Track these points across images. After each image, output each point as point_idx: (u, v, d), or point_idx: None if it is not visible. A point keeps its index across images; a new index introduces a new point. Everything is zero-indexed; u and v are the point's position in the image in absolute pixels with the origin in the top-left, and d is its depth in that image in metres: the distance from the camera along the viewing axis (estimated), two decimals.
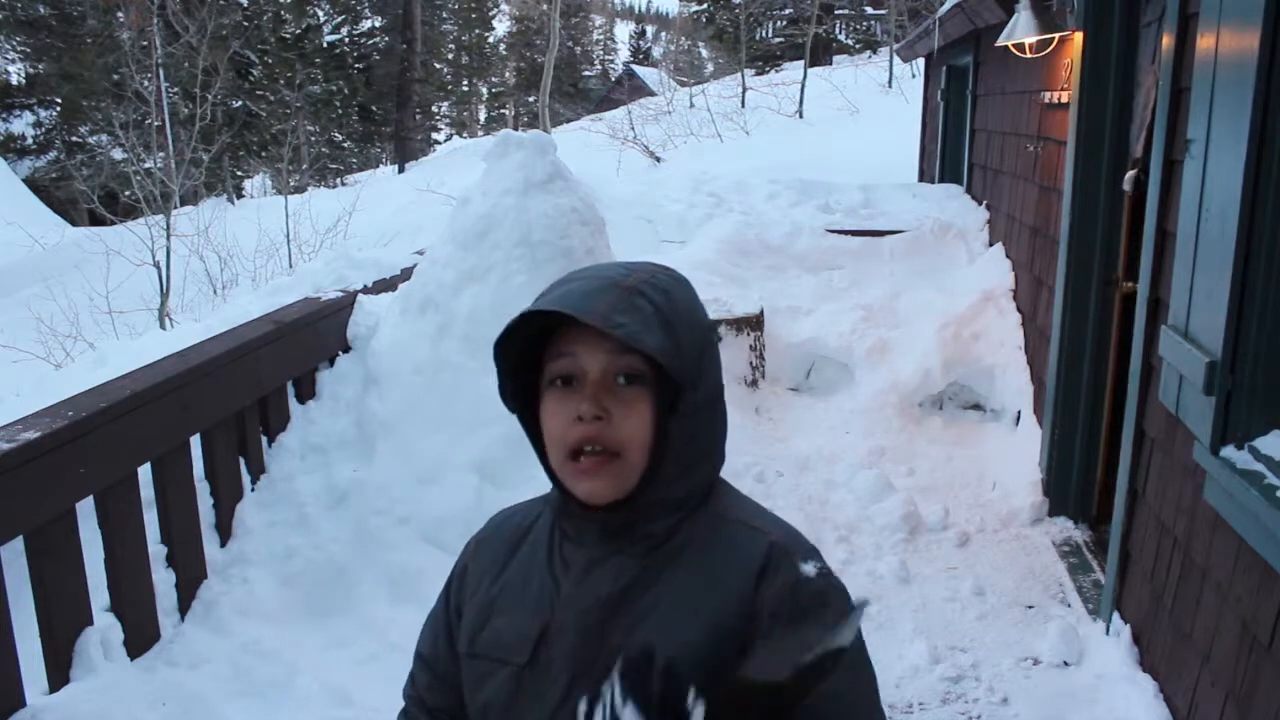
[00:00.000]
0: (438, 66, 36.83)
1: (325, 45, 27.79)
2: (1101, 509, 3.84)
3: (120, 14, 17.53)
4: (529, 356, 1.06)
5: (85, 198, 13.87)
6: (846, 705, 1.00)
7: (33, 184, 20.55)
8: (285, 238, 11.65)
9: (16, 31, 21.86)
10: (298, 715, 2.59)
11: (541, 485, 1.13)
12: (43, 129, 22.76)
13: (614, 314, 0.97)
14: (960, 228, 6.09)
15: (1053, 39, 4.14)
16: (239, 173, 22.55)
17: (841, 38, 25.99)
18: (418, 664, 1.20)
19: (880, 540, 3.79)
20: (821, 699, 0.96)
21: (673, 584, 1.03)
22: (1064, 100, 4.01)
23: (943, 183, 7.53)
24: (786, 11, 24.73)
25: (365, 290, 4.01)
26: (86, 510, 2.46)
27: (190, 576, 2.87)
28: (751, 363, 5.17)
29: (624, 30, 61.03)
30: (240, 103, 21.40)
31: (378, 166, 28.88)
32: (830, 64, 21.73)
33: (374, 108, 30.17)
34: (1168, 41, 2.69)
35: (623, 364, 1.00)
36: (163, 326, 9.40)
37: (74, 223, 17.46)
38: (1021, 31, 4.20)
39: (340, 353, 3.77)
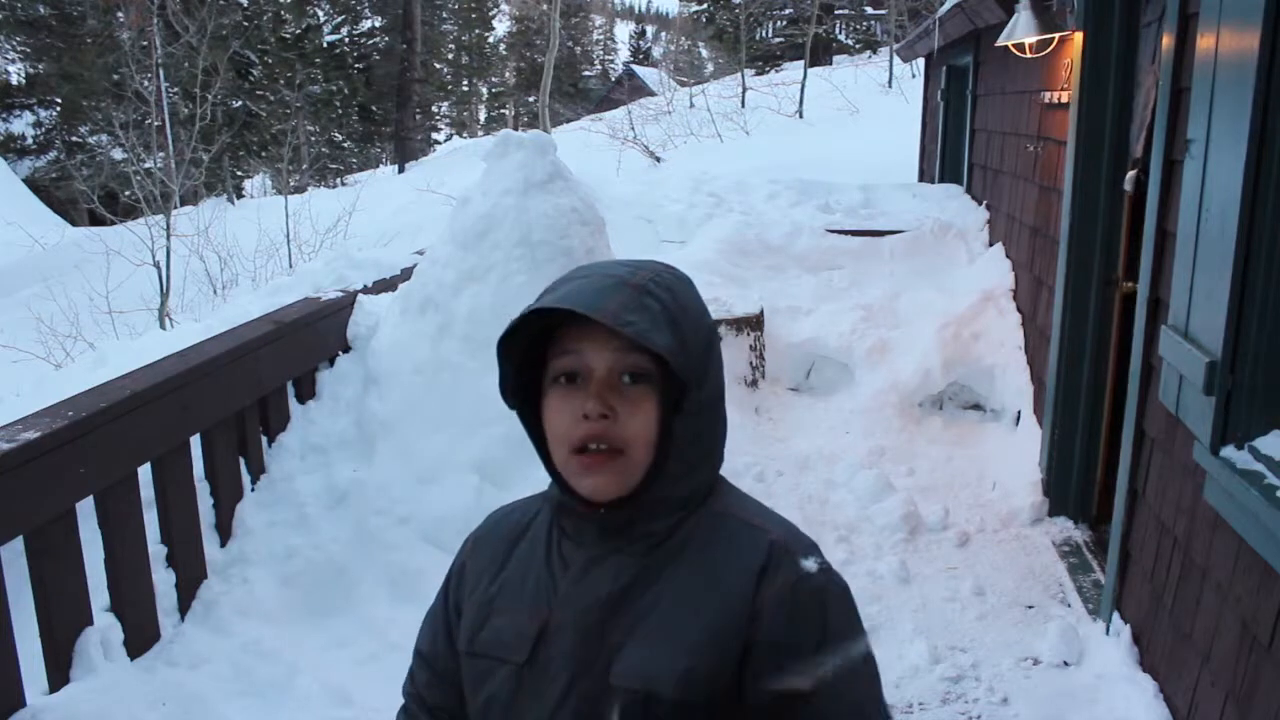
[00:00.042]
0: (438, 66, 36.83)
1: (325, 45, 27.79)
2: (1101, 509, 3.84)
3: (120, 14, 17.53)
4: (531, 354, 1.06)
5: (85, 198, 13.87)
6: (852, 705, 1.00)
7: (33, 184, 20.56)
8: (285, 238, 11.65)
9: (16, 31, 21.86)
10: (298, 715, 2.59)
11: (541, 485, 1.13)
12: (43, 129, 22.76)
13: (624, 312, 0.97)
14: (960, 228, 6.09)
15: (1053, 39, 4.14)
16: (239, 173, 22.55)
17: (841, 38, 25.99)
18: (417, 661, 1.21)
19: (880, 540, 3.79)
20: (830, 700, 0.97)
21: (673, 583, 1.03)
22: (1064, 100, 4.01)
23: (943, 183, 7.53)
24: (786, 11, 24.73)
25: (365, 290, 4.01)
26: (86, 510, 2.46)
27: (190, 576, 2.87)
28: (751, 363, 5.17)
29: (624, 30, 61.05)
30: (240, 103, 21.39)
31: (378, 166, 28.88)
32: (830, 64, 21.73)
33: (374, 108, 30.17)
34: (1168, 41, 2.69)
35: (629, 362, 1.00)
36: (163, 326, 9.40)
37: (74, 223, 17.47)
38: (1021, 31, 4.20)
39: (340, 353, 3.77)
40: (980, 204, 6.20)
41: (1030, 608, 3.34)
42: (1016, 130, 5.06)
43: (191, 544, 2.90)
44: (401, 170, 25.08)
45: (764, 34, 26.51)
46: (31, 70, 22.54)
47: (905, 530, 3.82)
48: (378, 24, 31.39)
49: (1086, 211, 3.72)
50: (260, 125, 22.33)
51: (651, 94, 23.78)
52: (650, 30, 61.78)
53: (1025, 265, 4.90)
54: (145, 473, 2.71)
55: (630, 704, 0.99)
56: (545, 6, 26.05)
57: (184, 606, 2.82)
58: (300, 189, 17.99)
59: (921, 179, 8.95)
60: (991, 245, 5.73)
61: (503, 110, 43.88)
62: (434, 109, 36.41)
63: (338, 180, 24.72)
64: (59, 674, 2.34)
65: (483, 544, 1.17)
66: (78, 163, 16.40)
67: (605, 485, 1.01)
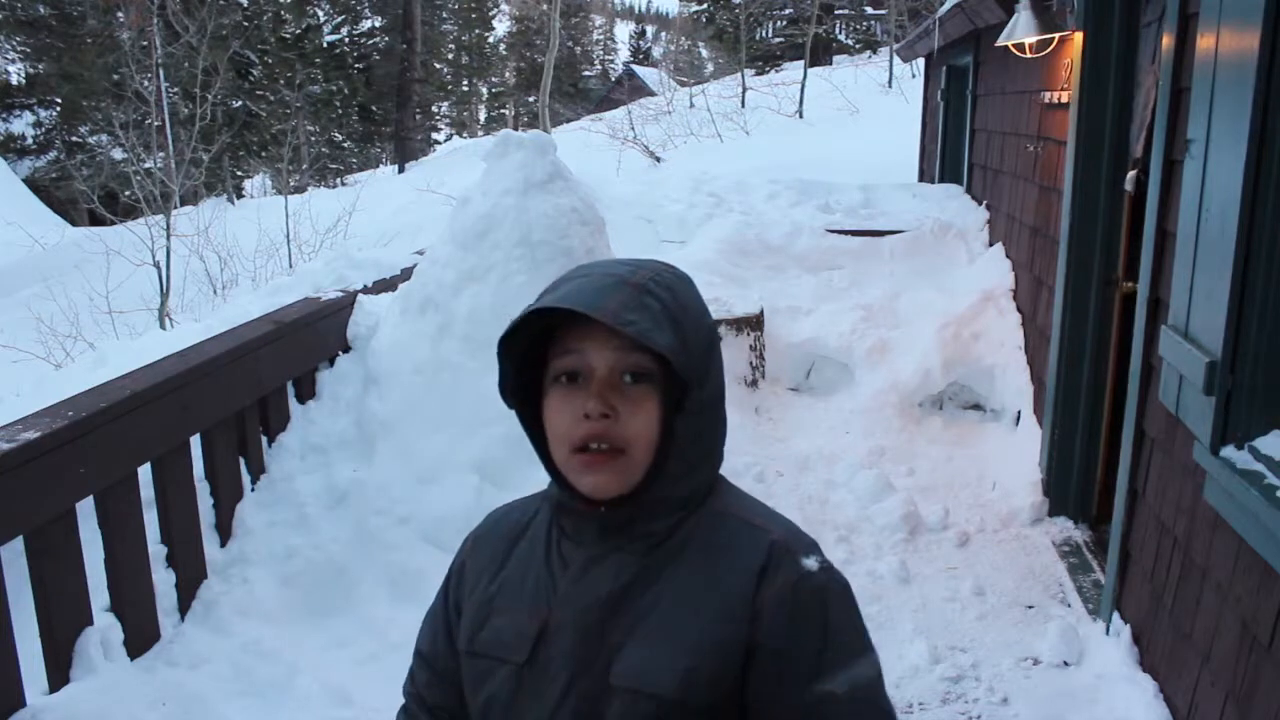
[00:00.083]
0: (438, 66, 36.83)
1: (325, 45, 27.79)
2: (1101, 509, 3.84)
3: (120, 14, 17.53)
4: (531, 353, 1.06)
5: (85, 198, 13.87)
6: (855, 700, 1.01)
7: (33, 184, 20.56)
8: (285, 238, 11.65)
9: (16, 31, 21.86)
10: (298, 715, 2.59)
11: (542, 485, 1.13)
12: (43, 129, 22.76)
13: (625, 312, 0.97)
14: (960, 228, 6.09)
15: (1053, 39, 4.14)
16: (239, 173, 22.55)
17: (841, 38, 25.99)
18: (417, 661, 1.21)
19: (880, 540, 3.79)
20: (833, 699, 0.98)
21: (673, 583, 1.03)
22: (1064, 100, 4.01)
23: (943, 183, 7.53)
24: (786, 11, 24.73)
25: (365, 290, 4.01)
26: (86, 510, 2.46)
27: (190, 576, 2.87)
28: (751, 363, 5.17)
29: (624, 30, 61.05)
30: (240, 103, 21.40)
31: (378, 166, 28.88)
32: (830, 64, 21.73)
33: (374, 108, 30.18)
34: (1168, 41, 2.69)
35: (631, 362, 1.00)
36: (163, 326, 9.40)
37: (74, 223, 17.47)
38: (1021, 31, 4.20)
39: (340, 353, 3.77)
40: (980, 204, 6.20)
41: (1030, 608, 3.34)
42: (1016, 130, 5.06)
43: (191, 544, 2.90)
44: (401, 170, 25.08)
45: (764, 34, 26.51)
46: (31, 70, 22.54)
47: (905, 530, 3.82)
48: (378, 24, 31.40)
49: (1086, 211, 3.72)
50: (260, 125, 22.33)
51: (651, 94, 23.78)
52: (650, 30, 61.79)
53: (1025, 265, 4.91)
54: (145, 473, 2.71)
55: (630, 704, 0.99)
56: (545, 6, 26.05)
57: (184, 606, 2.82)
58: (300, 189, 17.99)
59: (921, 179, 8.95)
60: (991, 245, 5.73)
61: (503, 110, 43.89)
62: (434, 109, 36.41)
63: (338, 180, 24.72)
64: (59, 674, 2.34)
65: (482, 543, 1.17)
66: (78, 163, 16.40)
67: (606, 484, 1.01)
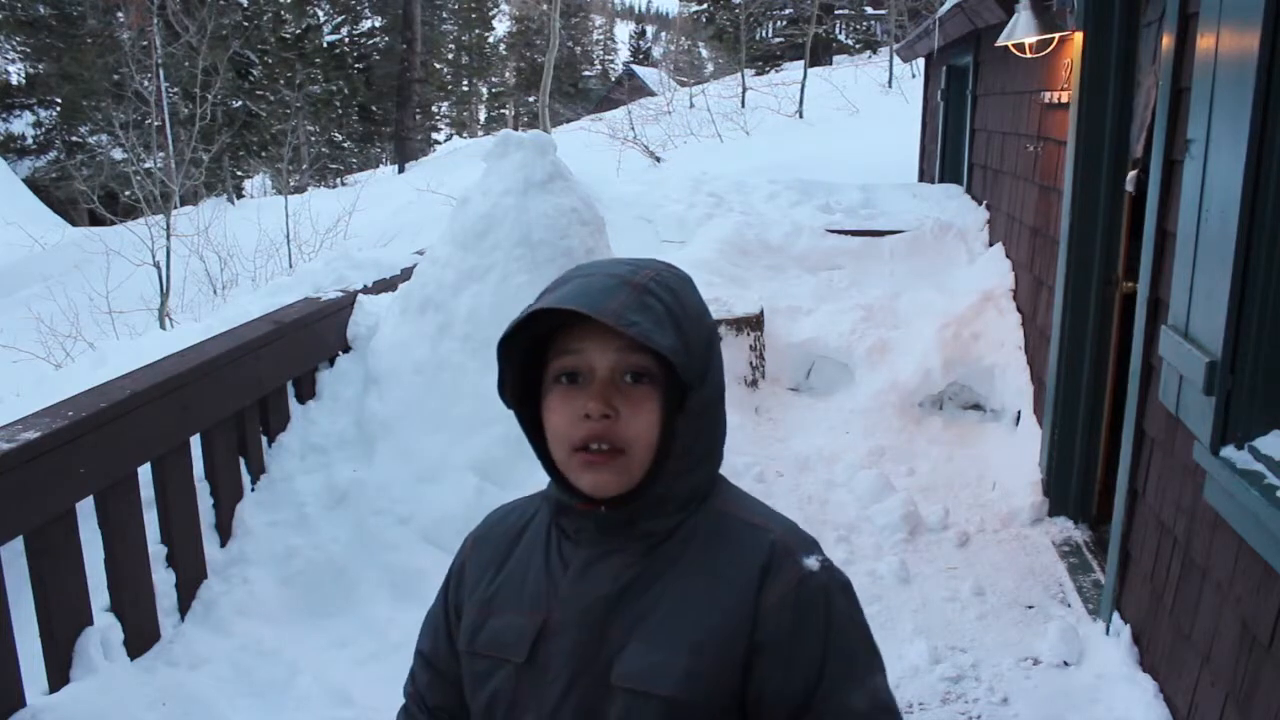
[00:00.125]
0: (438, 66, 36.83)
1: (325, 45, 27.79)
2: (1101, 509, 3.84)
3: (120, 14, 17.53)
4: (531, 353, 1.06)
5: (85, 198, 13.88)
6: (860, 697, 1.02)
7: (33, 184, 20.56)
8: (285, 238, 11.65)
9: (16, 31, 21.87)
10: (298, 715, 2.59)
11: (542, 484, 1.12)
12: (43, 129, 22.77)
13: (627, 312, 0.97)
14: (960, 228, 6.09)
15: (1053, 39, 4.14)
16: (239, 173, 22.55)
17: (841, 38, 25.99)
18: (418, 662, 1.21)
19: (880, 540, 3.79)
20: (837, 698, 0.99)
21: (674, 583, 1.03)
22: (1064, 100, 4.01)
23: (943, 183, 7.53)
24: (786, 11, 24.73)
25: (365, 290, 4.01)
26: (86, 510, 2.46)
27: (190, 576, 2.87)
28: (751, 363, 5.17)
29: (624, 30, 61.05)
30: (240, 103, 21.41)
31: (378, 166, 28.89)
32: (830, 64, 21.73)
33: (374, 108, 30.18)
34: (1168, 41, 2.69)
35: (632, 362, 1.00)
36: (163, 326, 9.41)
37: (74, 223, 17.48)
38: (1021, 31, 4.20)
39: (340, 353, 3.77)
40: (980, 204, 6.20)
41: (1030, 608, 3.34)
42: (1016, 130, 5.06)
43: (191, 544, 2.90)
44: (401, 170, 25.09)
45: (764, 34, 26.51)
46: (31, 70, 22.54)
47: (905, 530, 3.82)
48: (378, 24, 31.40)
49: (1086, 211, 3.72)
50: (260, 125, 22.34)
51: (651, 94, 23.78)
52: (650, 30, 61.80)
53: (1025, 265, 4.91)
54: (145, 473, 2.71)
55: (631, 704, 0.99)
56: (545, 6, 26.05)
57: (184, 606, 2.82)
58: (300, 189, 18.00)
59: (921, 179, 8.95)
60: (991, 245, 5.73)
61: (503, 110, 43.90)
62: (434, 109, 36.42)
63: (338, 180, 24.72)
64: (59, 674, 2.34)
65: (482, 543, 1.17)
66: (78, 163, 16.41)
67: (606, 483, 1.01)
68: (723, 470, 1.12)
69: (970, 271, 5.67)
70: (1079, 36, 3.68)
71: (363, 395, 3.58)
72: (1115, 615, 3.01)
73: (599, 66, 53.34)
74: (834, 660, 1.00)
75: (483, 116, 45.29)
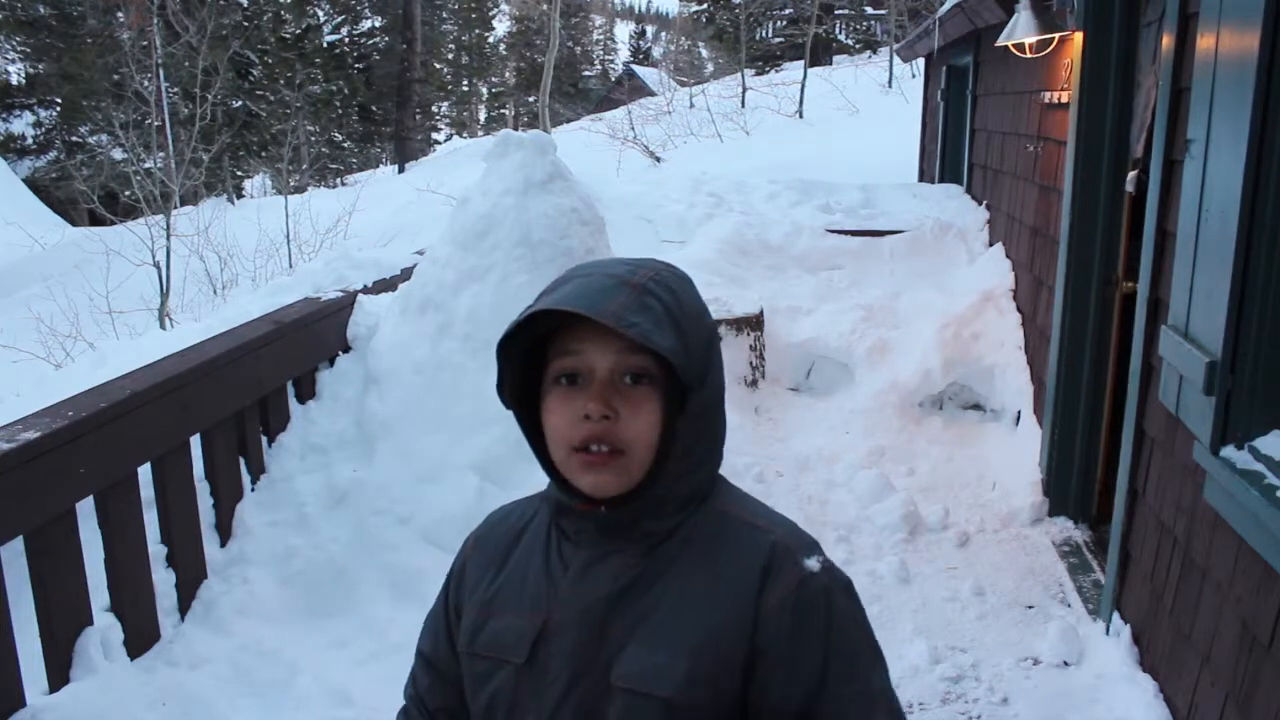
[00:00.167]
0: (438, 66, 36.83)
1: (325, 45, 27.79)
2: (1101, 509, 3.84)
3: (120, 14, 17.53)
4: (531, 354, 1.06)
5: (85, 198, 13.88)
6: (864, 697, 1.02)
7: (33, 184, 20.57)
8: (285, 238, 11.65)
9: (16, 31, 21.87)
10: (298, 715, 2.59)
11: (543, 484, 1.12)
12: (43, 129, 22.77)
13: (626, 313, 0.96)
14: (960, 228, 6.09)
15: (1053, 39, 4.14)
16: (239, 173, 22.55)
17: (841, 38, 25.99)
18: (419, 663, 1.20)
19: (880, 540, 3.79)
20: (839, 700, 1.00)
21: (674, 584, 1.03)
22: (1064, 100, 4.01)
23: (943, 183, 7.53)
24: (786, 11, 24.73)
25: (365, 290, 4.01)
26: (86, 510, 2.46)
27: (190, 576, 2.87)
28: (751, 363, 5.17)
29: (624, 30, 61.05)
30: (240, 103, 21.41)
31: (378, 166, 28.89)
32: (830, 64, 21.73)
33: (374, 108, 30.18)
34: (1168, 41, 2.69)
35: (632, 363, 1.00)
36: (163, 326, 9.41)
37: (74, 223, 17.48)
38: (1021, 31, 4.20)
39: (340, 353, 3.77)
40: (980, 204, 6.20)
41: (1030, 608, 3.34)
42: (1016, 130, 5.06)
43: (191, 544, 2.90)
44: (401, 170, 25.09)
45: (764, 34, 26.51)
46: (31, 70, 22.54)
47: (905, 530, 3.82)
48: (378, 24, 31.40)
49: (1086, 211, 3.72)
50: (260, 125, 22.34)
51: (651, 94, 23.78)
52: (650, 30, 61.79)
53: (1025, 265, 4.91)
54: (145, 473, 2.71)
55: (631, 705, 0.99)
56: (545, 6, 26.05)
57: (184, 606, 2.82)
58: (300, 189, 18.00)
59: (921, 179, 8.95)
60: (991, 245, 5.73)
61: (503, 110, 43.90)
62: (434, 109, 36.42)
63: (338, 180, 24.73)
64: (59, 674, 2.34)
65: (483, 544, 1.17)
66: (78, 163, 16.41)
67: (606, 483, 1.01)
68: (723, 470, 1.12)
69: (970, 271, 5.67)
70: (1079, 36, 3.68)
71: (363, 395, 3.58)
72: (1115, 615, 3.01)
73: (599, 66, 53.34)
74: (836, 661, 1.00)
75: (483, 116, 45.30)
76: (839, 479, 4.23)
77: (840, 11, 25.26)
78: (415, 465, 3.36)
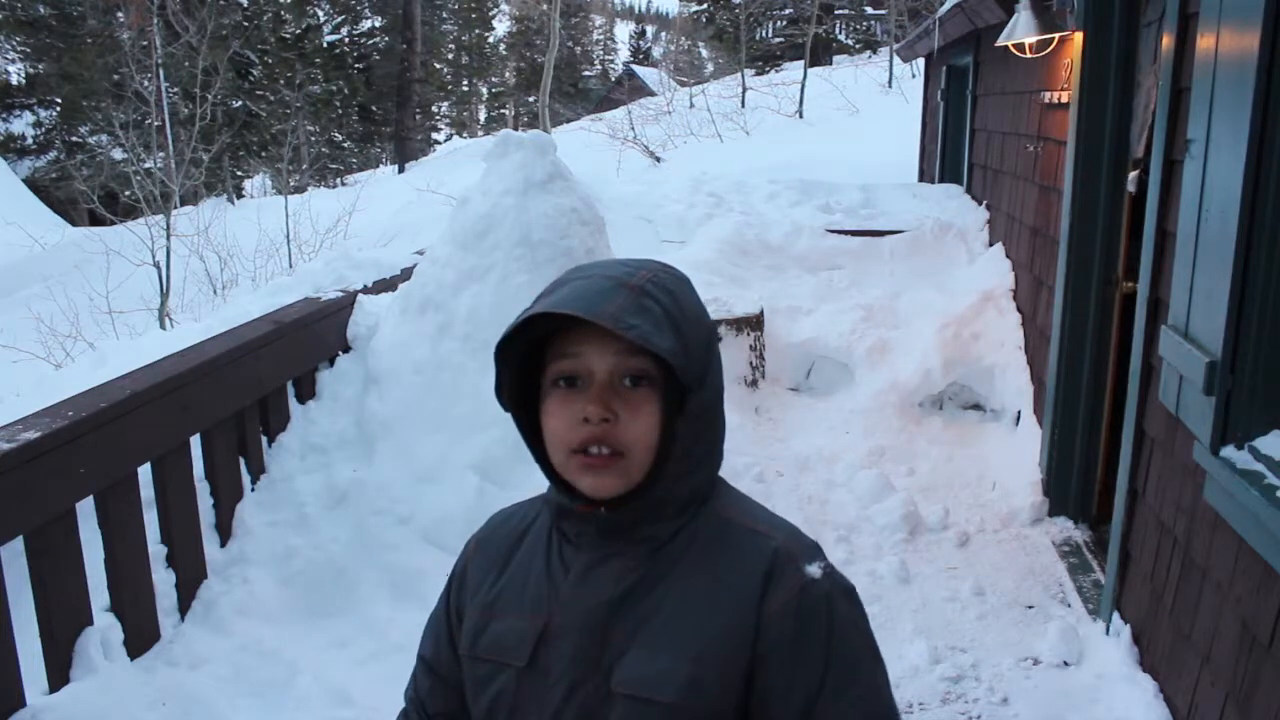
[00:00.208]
0: (438, 66, 36.83)
1: (325, 45, 27.79)
2: (1101, 509, 3.84)
3: (120, 14, 17.53)
4: (529, 356, 1.06)
5: (85, 198, 13.88)
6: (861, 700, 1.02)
7: (33, 184, 20.56)
8: (285, 238, 11.65)
9: (16, 31, 21.86)
10: (298, 715, 2.59)
11: (543, 485, 1.12)
12: (43, 129, 22.76)
13: (625, 315, 0.96)
14: (960, 228, 6.09)
15: (1053, 39, 4.14)
16: (239, 173, 22.55)
17: (841, 38, 25.99)
18: (420, 667, 1.20)
19: (880, 540, 3.79)
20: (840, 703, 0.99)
21: (676, 588, 1.03)
22: (1064, 100, 4.01)
23: (943, 183, 7.53)
24: (786, 11, 24.73)
25: (365, 290, 4.01)
26: (86, 510, 2.46)
27: (190, 576, 2.87)
28: (751, 363, 5.17)
29: (624, 30, 61.05)
30: (240, 103, 21.41)
31: (378, 166, 28.89)
32: (830, 64, 21.73)
33: (374, 108, 30.18)
34: (1168, 41, 2.69)
35: (631, 365, 0.99)
36: (163, 326, 9.41)
37: (74, 223, 17.48)
38: (1021, 31, 4.20)
39: (340, 353, 3.77)
40: (980, 204, 6.20)
41: (1030, 608, 3.34)
42: (1016, 130, 5.07)
43: (191, 544, 2.90)
44: (401, 170, 25.09)
45: (764, 34, 26.51)
46: (31, 70, 22.54)
47: (905, 530, 3.82)
48: (378, 24, 31.40)
49: (1086, 211, 3.72)
50: (260, 125, 22.34)
51: (651, 94, 23.78)
52: (650, 30, 61.79)
53: (1025, 265, 4.91)
54: (145, 473, 2.71)
55: (632, 710, 0.99)
56: (545, 6, 26.05)
57: (184, 606, 2.82)
58: (300, 189, 18.00)
59: (921, 179, 8.95)
60: (991, 245, 5.73)
61: (503, 110, 43.90)
62: (434, 109, 36.42)
63: (338, 180, 24.72)
64: (59, 674, 2.34)
65: (484, 547, 1.17)
66: (78, 163, 16.40)
67: (606, 485, 1.00)
68: (723, 471, 1.12)
69: (970, 271, 5.67)
70: (1079, 36, 3.68)
71: (363, 395, 3.58)
72: (1115, 615, 3.01)
73: (599, 66, 53.34)
74: (837, 668, 1.00)
75: (483, 116, 45.30)
76: (839, 479, 4.23)
77: (840, 11, 25.25)
78: (415, 465, 3.36)
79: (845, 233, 6.13)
